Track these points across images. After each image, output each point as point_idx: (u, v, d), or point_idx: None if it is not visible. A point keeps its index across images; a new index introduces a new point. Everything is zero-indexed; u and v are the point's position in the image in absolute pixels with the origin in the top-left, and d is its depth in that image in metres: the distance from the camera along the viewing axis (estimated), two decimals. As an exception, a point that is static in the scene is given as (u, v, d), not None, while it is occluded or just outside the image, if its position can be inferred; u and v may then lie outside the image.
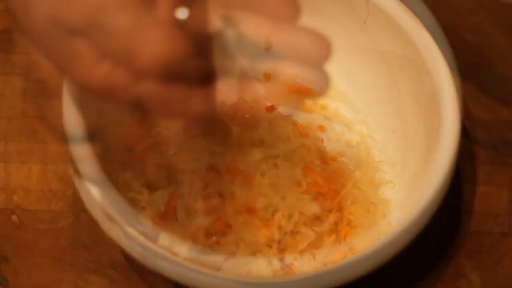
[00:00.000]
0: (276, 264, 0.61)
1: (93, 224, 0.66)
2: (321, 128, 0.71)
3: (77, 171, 0.58)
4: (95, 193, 0.58)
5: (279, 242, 0.61)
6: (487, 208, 0.69)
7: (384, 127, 0.69)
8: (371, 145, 0.70)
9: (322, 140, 0.66)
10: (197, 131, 0.63)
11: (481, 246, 0.67)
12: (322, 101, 0.72)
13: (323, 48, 0.47)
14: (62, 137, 0.57)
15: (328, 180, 0.64)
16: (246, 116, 0.65)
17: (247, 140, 0.62)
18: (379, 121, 0.70)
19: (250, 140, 0.62)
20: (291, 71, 0.50)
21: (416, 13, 0.63)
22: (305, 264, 0.60)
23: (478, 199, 0.69)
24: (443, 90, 0.61)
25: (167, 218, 0.62)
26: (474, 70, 0.74)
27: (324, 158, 0.65)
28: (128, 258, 0.66)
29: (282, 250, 0.61)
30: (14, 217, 0.69)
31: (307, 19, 0.71)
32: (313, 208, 0.62)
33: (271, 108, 0.66)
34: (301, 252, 0.61)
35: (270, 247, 0.61)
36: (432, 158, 0.60)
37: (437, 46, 0.62)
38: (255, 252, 0.61)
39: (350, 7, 0.67)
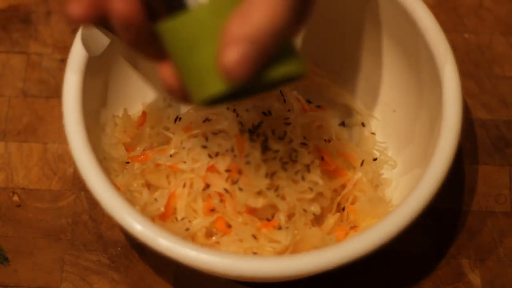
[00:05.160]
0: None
1: (93, 203, 0.67)
2: (323, 107, 0.71)
3: None
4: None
5: (279, 242, 0.61)
6: (489, 187, 0.69)
7: (385, 104, 0.70)
8: (373, 124, 0.70)
9: (327, 119, 0.67)
10: (197, 131, 0.63)
11: (482, 225, 0.68)
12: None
13: None
14: None
15: (330, 176, 0.64)
16: None
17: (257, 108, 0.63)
18: (379, 100, 0.70)
19: (258, 109, 0.63)
20: None
21: (416, 14, 0.63)
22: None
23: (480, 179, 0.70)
24: (444, 66, 0.61)
25: (167, 218, 0.62)
26: (474, 70, 0.74)
27: (331, 136, 0.66)
28: (128, 236, 0.67)
29: (282, 250, 0.61)
30: (15, 196, 0.69)
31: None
32: (313, 208, 0.62)
33: None
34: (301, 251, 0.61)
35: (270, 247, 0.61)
36: (435, 140, 0.60)
37: (438, 25, 0.62)
38: (255, 252, 0.61)
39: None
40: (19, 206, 0.69)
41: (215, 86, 0.49)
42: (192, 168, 0.62)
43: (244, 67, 0.47)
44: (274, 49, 0.47)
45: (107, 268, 0.67)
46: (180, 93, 0.52)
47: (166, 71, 0.52)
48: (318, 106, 0.71)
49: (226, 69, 0.47)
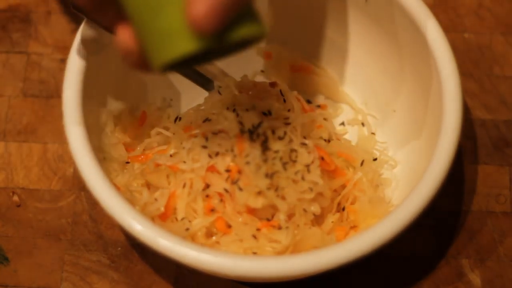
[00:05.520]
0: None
1: (93, 203, 0.67)
2: (323, 107, 0.71)
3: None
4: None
5: (279, 242, 0.61)
6: (489, 187, 0.69)
7: (385, 104, 0.70)
8: (373, 124, 0.70)
9: (326, 119, 0.67)
10: (197, 131, 0.63)
11: (482, 225, 0.68)
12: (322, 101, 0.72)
13: None
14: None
15: (330, 176, 0.64)
16: (250, 93, 0.65)
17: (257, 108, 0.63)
18: (379, 100, 0.70)
19: (258, 109, 0.63)
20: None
21: (415, 14, 0.63)
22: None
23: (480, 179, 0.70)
24: (444, 66, 0.61)
25: (167, 218, 0.62)
26: (474, 70, 0.74)
27: (331, 136, 0.66)
28: (128, 236, 0.67)
29: (282, 250, 0.61)
30: (15, 197, 0.69)
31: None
32: (313, 208, 0.62)
33: (273, 84, 0.66)
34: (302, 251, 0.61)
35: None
36: (435, 140, 0.59)
37: (438, 25, 0.62)
38: (255, 252, 0.61)
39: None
40: (19, 206, 0.69)
41: (183, 45, 0.49)
42: (192, 168, 0.62)
43: (213, 18, 0.48)
44: (241, 4, 0.48)
45: (107, 268, 0.67)
46: (137, 58, 0.52)
47: (124, 35, 0.52)
48: (318, 106, 0.72)
49: (195, 21, 0.48)
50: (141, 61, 0.52)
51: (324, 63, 0.72)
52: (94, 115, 0.64)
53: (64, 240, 0.67)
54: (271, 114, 0.63)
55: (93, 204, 0.68)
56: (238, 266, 0.55)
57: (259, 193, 0.60)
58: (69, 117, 0.60)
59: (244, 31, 0.49)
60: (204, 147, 0.62)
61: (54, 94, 0.73)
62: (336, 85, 0.72)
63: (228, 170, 0.61)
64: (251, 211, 0.61)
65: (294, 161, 0.62)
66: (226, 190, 0.61)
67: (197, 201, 0.61)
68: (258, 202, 0.60)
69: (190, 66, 0.55)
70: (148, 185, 0.64)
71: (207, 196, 0.61)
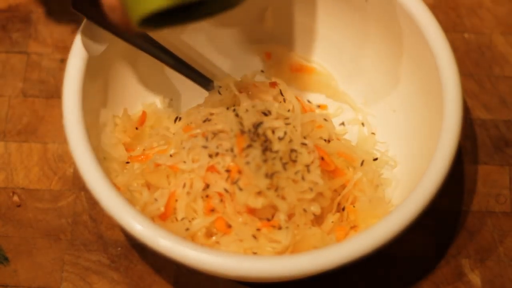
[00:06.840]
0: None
1: (93, 203, 0.67)
2: (323, 107, 0.71)
3: None
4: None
5: (279, 242, 0.61)
6: (489, 187, 0.69)
7: (385, 104, 0.70)
8: (373, 124, 0.70)
9: (326, 119, 0.67)
10: (197, 131, 0.63)
11: (482, 225, 0.68)
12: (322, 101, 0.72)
13: None
14: None
15: (329, 175, 0.64)
16: (250, 93, 0.65)
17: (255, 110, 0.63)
18: (379, 100, 0.70)
19: (258, 109, 0.63)
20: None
21: (416, 14, 0.63)
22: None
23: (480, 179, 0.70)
24: (444, 66, 0.61)
25: (167, 218, 0.62)
26: (474, 70, 0.74)
27: (331, 136, 0.66)
28: (128, 236, 0.67)
29: (282, 250, 0.61)
30: (15, 197, 0.69)
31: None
32: (313, 208, 0.62)
33: (273, 84, 0.66)
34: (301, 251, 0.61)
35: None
36: (435, 140, 0.60)
37: (438, 25, 0.62)
38: (255, 252, 0.61)
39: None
40: (19, 206, 0.69)
41: (155, 1, 0.49)
42: (192, 168, 0.62)
43: None
44: None
45: (107, 268, 0.67)
46: (120, 15, 0.52)
47: None
48: (318, 106, 0.72)
49: None
50: (125, 18, 0.52)
51: (324, 63, 0.72)
52: (94, 115, 0.64)
53: (64, 240, 0.68)
54: (271, 114, 0.63)
55: (93, 204, 0.68)
56: (238, 266, 0.55)
57: (259, 193, 0.60)
58: (69, 117, 0.60)
59: None
60: (204, 147, 0.62)
61: (54, 94, 0.73)
62: (336, 85, 0.72)
63: (228, 170, 0.61)
64: (251, 211, 0.61)
65: (294, 161, 0.62)
66: (226, 190, 0.61)
67: (197, 201, 0.61)
68: (258, 202, 0.60)
69: (172, 25, 0.53)
70: (148, 185, 0.64)
71: (207, 196, 0.61)
